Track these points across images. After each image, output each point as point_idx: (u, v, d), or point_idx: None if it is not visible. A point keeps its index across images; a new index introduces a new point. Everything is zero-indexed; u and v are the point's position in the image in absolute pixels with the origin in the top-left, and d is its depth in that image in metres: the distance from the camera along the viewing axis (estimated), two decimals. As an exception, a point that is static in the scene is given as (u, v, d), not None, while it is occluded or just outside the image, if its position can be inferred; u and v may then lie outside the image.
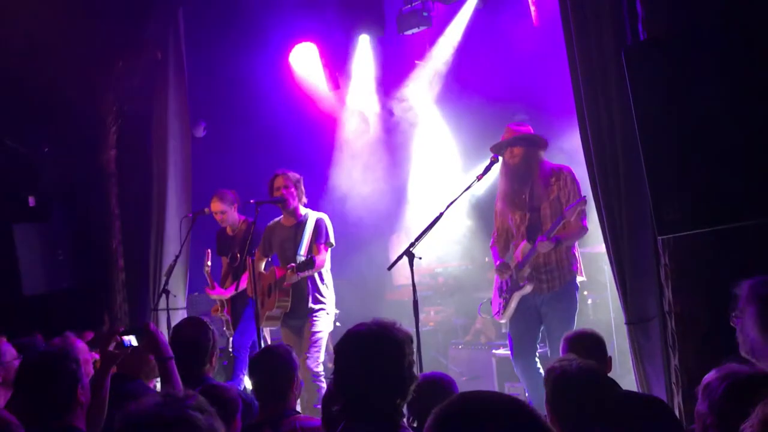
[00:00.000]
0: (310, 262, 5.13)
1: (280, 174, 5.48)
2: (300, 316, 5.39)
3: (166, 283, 5.87)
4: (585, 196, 4.68)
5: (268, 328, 5.77)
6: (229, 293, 6.10)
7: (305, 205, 5.58)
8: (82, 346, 3.91)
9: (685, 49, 3.50)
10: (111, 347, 3.12)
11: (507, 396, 1.46)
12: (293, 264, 5.20)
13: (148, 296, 6.56)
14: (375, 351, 2.25)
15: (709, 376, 2.23)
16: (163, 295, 5.81)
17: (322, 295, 5.43)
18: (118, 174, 6.81)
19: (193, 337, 3.41)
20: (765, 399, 1.68)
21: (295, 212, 5.49)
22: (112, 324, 6.48)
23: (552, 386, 2.73)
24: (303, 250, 5.36)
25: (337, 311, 5.68)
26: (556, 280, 4.86)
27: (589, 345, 3.37)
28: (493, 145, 5.06)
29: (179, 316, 6.30)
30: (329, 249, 5.48)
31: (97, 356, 3.47)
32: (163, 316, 6.08)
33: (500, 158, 4.92)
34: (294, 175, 5.51)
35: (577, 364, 2.74)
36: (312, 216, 5.50)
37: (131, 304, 6.71)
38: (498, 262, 5.11)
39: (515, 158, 4.97)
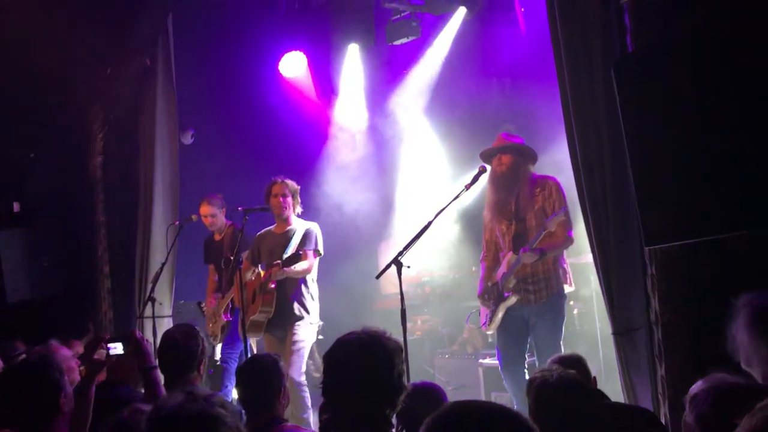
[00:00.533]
0: (296, 257, 5.10)
1: (279, 181, 5.47)
2: (283, 325, 5.35)
3: (152, 290, 5.83)
4: (566, 208, 4.72)
5: (254, 339, 5.73)
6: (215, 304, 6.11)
7: (299, 216, 5.57)
8: (66, 354, 3.87)
9: (673, 61, 3.53)
10: (97, 355, 3.09)
11: (499, 405, 1.46)
12: (279, 261, 5.17)
13: (133, 304, 6.52)
14: (364, 360, 2.23)
15: (696, 386, 2.24)
16: (149, 303, 5.77)
17: (305, 305, 5.40)
18: (105, 180, 6.78)
19: (182, 342, 3.39)
20: (752, 410, 1.68)
21: (287, 221, 5.50)
22: (97, 331, 6.43)
23: (534, 397, 2.73)
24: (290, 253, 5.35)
25: (321, 323, 5.65)
26: (543, 291, 4.86)
27: (571, 366, 3.37)
28: (483, 151, 5.09)
29: (165, 323, 6.26)
30: (318, 257, 5.47)
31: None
32: (148, 324, 6.03)
33: (488, 168, 4.94)
34: (293, 185, 5.51)
35: (557, 373, 2.74)
36: (302, 225, 5.51)
37: (116, 312, 6.66)
38: (480, 288, 5.13)
39: (503, 166, 4.98)
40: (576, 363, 3.40)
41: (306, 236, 5.42)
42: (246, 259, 5.60)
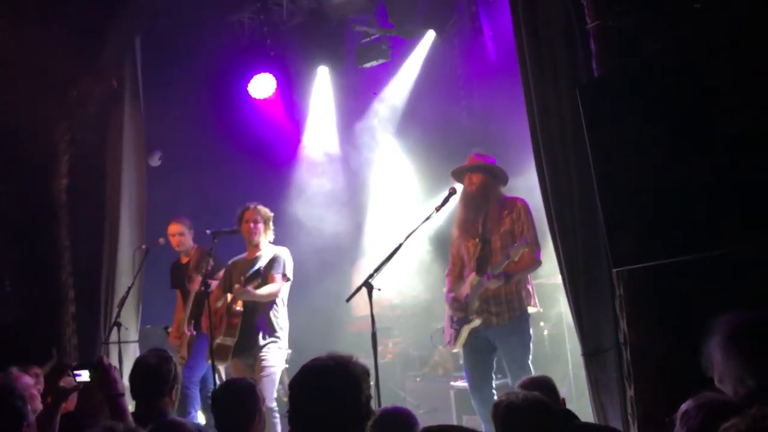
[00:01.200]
0: (257, 273, 5.09)
1: (251, 207, 5.47)
2: (252, 350, 5.27)
3: (118, 315, 5.74)
4: (527, 239, 4.70)
5: (222, 366, 5.63)
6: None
7: (271, 242, 5.53)
8: (28, 382, 3.77)
9: (637, 86, 3.60)
10: (64, 382, 3.01)
11: (471, 430, 1.44)
12: (242, 278, 5.15)
13: (99, 329, 6.38)
14: (331, 386, 2.20)
15: (687, 404, 2.30)
16: (115, 328, 5.67)
17: (275, 330, 5.32)
18: (70, 203, 6.65)
19: (155, 368, 3.33)
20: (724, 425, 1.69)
21: (257, 246, 5.47)
22: (60, 357, 6.27)
23: (500, 419, 2.72)
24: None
25: (290, 351, 5.59)
26: (506, 313, 4.85)
27: (538, 388, 3.37)
28: (454, 170, 5.12)
29: (131, 349, 6.16)
30: (287, 282, 5.42)
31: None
32: (114, 349, 5.91)
33: (458, 189, 4.96)
34: (266, 212, 5.51)
35: (522, 395, 2.74)
36: (271, 250, 5.47)
37: (81, 337, 6.51)
38: (449, 297, 5.11)
39: (473, 186, 5.01)
40: (543, 385, 3.40)
41: (274, 260, 5.38)
42: (218, 286, 5.54)
